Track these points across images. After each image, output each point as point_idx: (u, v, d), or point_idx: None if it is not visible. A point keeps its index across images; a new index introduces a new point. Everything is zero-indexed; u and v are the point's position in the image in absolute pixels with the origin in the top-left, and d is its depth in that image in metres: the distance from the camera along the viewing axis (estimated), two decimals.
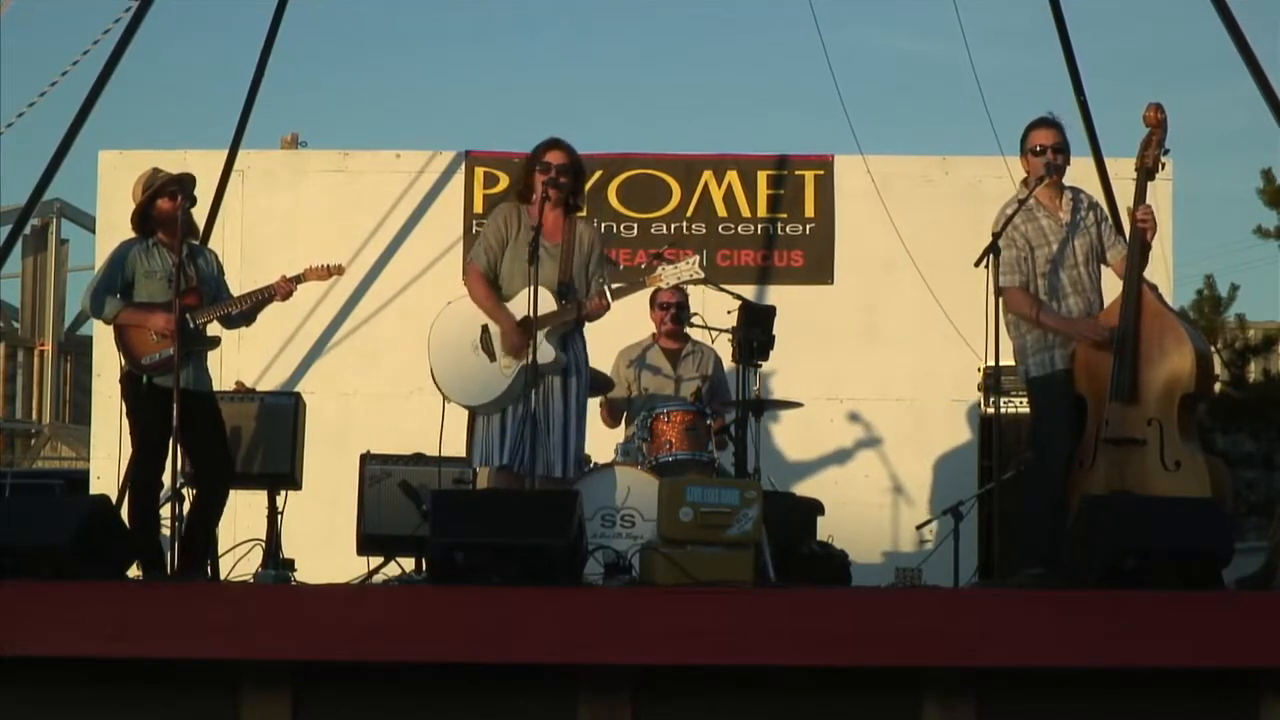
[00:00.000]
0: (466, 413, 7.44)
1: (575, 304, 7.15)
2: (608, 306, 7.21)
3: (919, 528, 9.79)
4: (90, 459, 10.98)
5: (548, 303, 7.10)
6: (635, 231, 10.72)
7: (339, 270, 7.87)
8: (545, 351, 7.09)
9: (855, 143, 10.51)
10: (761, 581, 6.70)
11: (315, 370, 10.61)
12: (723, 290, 8.57)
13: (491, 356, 7.12)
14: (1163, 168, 7.05)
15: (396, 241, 10.75)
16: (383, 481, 8.38)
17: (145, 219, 7.48)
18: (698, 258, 7.49)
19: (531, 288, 6.96)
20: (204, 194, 7.96)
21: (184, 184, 7.50)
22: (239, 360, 10.10)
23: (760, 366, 8.23)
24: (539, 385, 7.06)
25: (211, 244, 9.31)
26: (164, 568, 7.21)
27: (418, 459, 8.32)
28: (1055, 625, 5.79)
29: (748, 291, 9.40)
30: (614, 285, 7.31)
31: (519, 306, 7.10)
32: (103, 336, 9.28)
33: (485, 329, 7.16)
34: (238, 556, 7.91)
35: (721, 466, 8.19)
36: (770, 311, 8.38)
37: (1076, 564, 6.19)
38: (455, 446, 7.89)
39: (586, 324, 7.28)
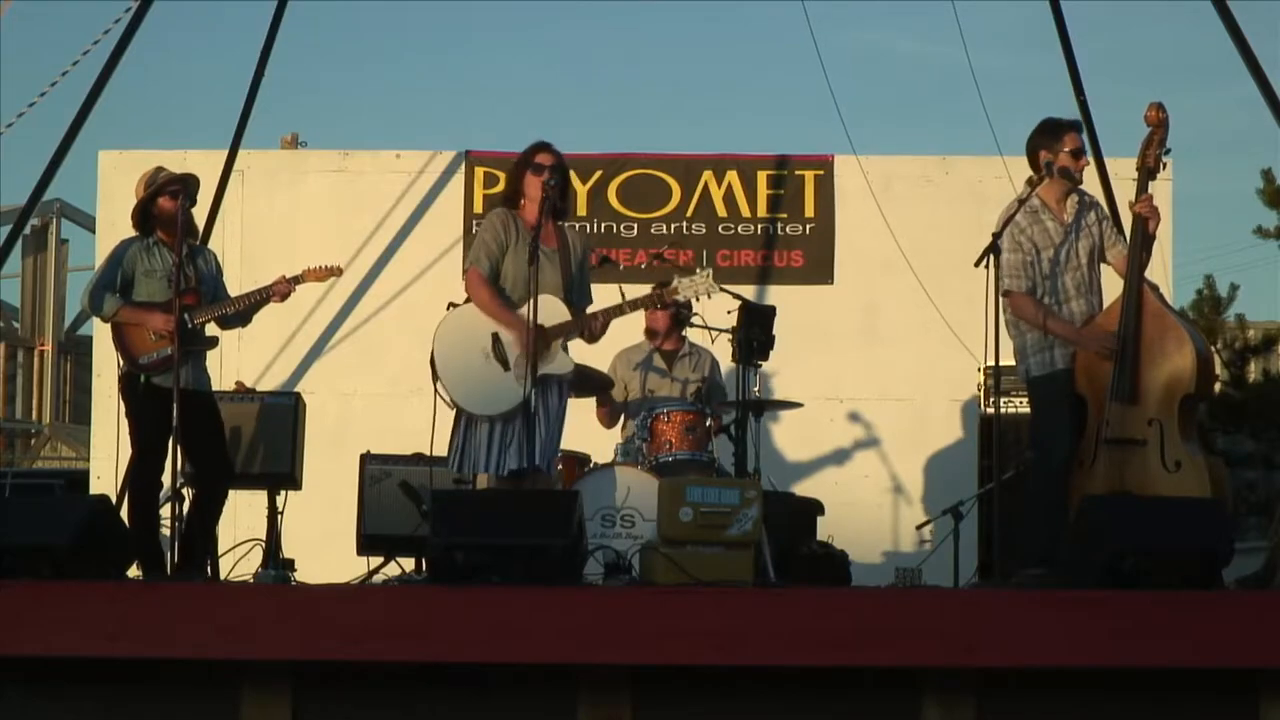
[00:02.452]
0: (453, 415, 7.34)
1: (584, 320, 7.09)
2: (604, 330, 7.19)
3: (919, 528, 9.79)
4: (90, 459, 10.99)
5: (561, 310, 7.05)
6: (635, 231, 10.72)
7: (337, 272, 7.87)
8: (563, 361, 7.03)
9: (850, 145, 10.55)
10: (761, 581, 6.69)
11: (315, 370, 10.61)
12: (723, 290, 8.56)
13: (505, 365, 7.00)
14: (1164, 168, 7.04)
15: (396, 241, 10.75)
16: (383, 481, 8.38)
17: (146, 217, 7.48)
18: (710, 271, 7.45)
19: (532, 286, 6.91)
20: (204, 194, 7.96)
21: (187, 184, 7.52)
22: (239, 360, 10.10)
23: (760, 366, 8.23)
24: (540, 389, 7.03)
25: (211, 244, 9.32)
26: (164, 568, 7.21)
27: (418, 459, 8.31)
28: (1055, 625, 5.79)
29: (748, 291, 9.40)
30: (629, 299, 7.32)
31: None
32: (103, 337, 9.28)
33: (496, 336, 7.06)
34: (238, 556, 7.91)
35: (721, 466, 8.19)
36: (770, 311, 8.38)
37: (1076, 564, 6.19)
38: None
39: None
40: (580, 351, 7.30)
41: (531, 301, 6.89)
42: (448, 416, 7.18)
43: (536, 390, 6.94)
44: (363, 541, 8.40)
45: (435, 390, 7.09)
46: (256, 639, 5.75)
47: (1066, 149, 6.99)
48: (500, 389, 6.98)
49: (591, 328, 7.12)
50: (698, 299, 7.56)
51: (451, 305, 7.28)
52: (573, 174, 7.91)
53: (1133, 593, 5.89)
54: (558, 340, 7.03)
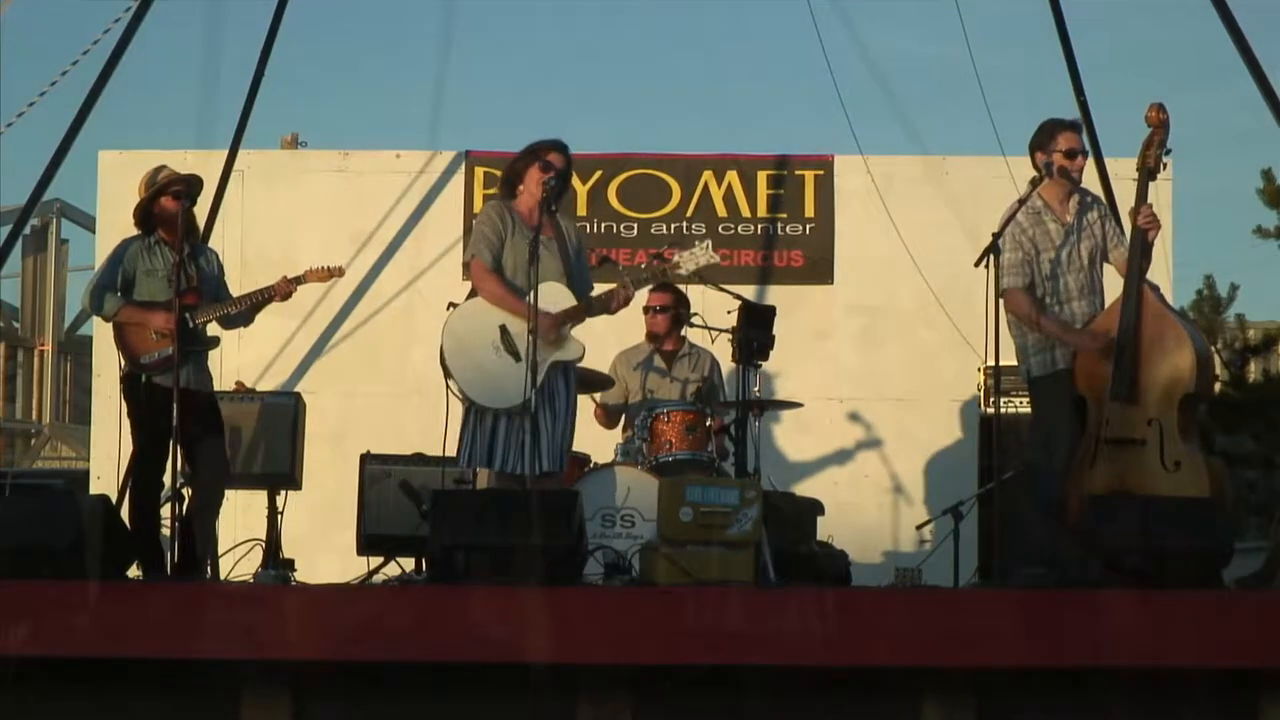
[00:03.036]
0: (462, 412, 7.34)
1: (601, 299, 7.13)
2: (631, 298, 7.23)
3: (919, 528, 9.78)
4: (90, 459, 10.98)
5: (566, 295, 7.07)
6: (635, 231, 10.71)
7: (339, 272, 7.86)
8: (574, 347, 7.09)
9: (855, 143, 10.52)
10: (761, 581, 6.69)
11: (315, 370, 10.59)
12: (723, 290, 8.56)
13: (516, 357, 7.00)
14: (1164, 168, 7.05)
15: (396, 241, 10.73)
16: (383, 481, 8.37)
17: (147, 216, 7.48)
18: (709, 240, 7.45)
19: (533, 282, 6.92)
20: (204, 194, 7.95)
21: (189, 184, 7.51)
22: (239, 360, 10.08)
23: (760, 366, 8.23)
24: (547, 382, 7.03)
25: (211, 244, 9.29)
26: (164, 568, 7.21)
27: (418, 459, 8.31)
28: (1055, 625, 5.79)
29: (748, 291, 9.38)
30: (630, 277, 7.31)
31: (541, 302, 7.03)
32: (103, 336, 9.27)
33: (504, 329, 7.07)
34: (238, 556, 7.91)
35: (721, 466, 8.19)
36: (770, 311, 8.37)
37: (1077, 564, 6.19)
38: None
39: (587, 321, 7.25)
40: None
41: (531, 303, 6.90)
42: (457, 415, 7.19)
43: (546, 379, 6.98)
44: (363, 541, 8.40)
45: (447, 387, 7.10)
46: (256, 639, 5.75)
47: (1061, 149, 6.99)
48: (512, 381, 6.97)
49: (609, 305, 7.16)
50: (699, 266, 7.43)
51: (452, 305, 7.28)
52: (573, 175, 7.90)
53: (1132, 593, 5.89)
54: (567, 325, 7.06)
